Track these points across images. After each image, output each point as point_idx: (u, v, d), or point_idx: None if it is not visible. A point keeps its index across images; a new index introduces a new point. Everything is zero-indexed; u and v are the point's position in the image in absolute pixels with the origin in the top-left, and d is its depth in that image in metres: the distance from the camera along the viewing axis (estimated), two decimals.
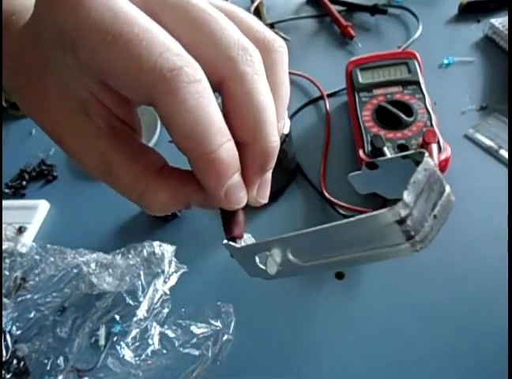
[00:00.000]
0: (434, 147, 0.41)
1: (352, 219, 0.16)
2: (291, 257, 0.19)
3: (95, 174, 0.19)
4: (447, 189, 0.17)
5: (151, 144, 0.55)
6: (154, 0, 0.17)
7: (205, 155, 0.16)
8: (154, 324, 0.40)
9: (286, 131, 0.43)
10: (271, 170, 0.19)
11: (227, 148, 0.16)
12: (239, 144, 0.17)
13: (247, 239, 0.21)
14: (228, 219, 0.20)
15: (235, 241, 0.20)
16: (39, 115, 0.19)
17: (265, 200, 0.20)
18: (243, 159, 0.18)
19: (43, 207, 0.53)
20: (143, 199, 0.19)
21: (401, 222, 0.15)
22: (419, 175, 0.16)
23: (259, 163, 0.18)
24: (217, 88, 0.17)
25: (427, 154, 0.16)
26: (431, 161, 0.16)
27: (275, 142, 0.18)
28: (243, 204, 0.18)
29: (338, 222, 0.16)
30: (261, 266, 0.20)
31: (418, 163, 0.16)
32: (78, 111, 0.18)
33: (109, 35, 0.15)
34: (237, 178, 0.17)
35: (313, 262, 0.19)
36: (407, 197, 0.15)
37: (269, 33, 0.19)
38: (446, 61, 0.57)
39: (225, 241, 0.20)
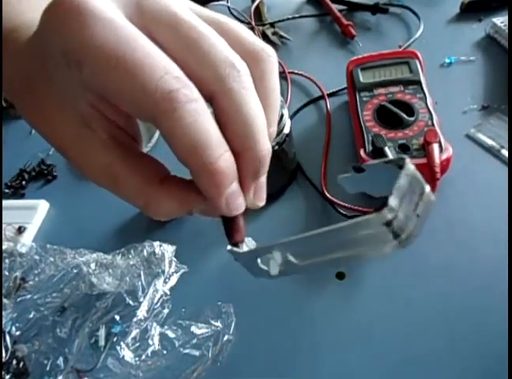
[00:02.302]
0: (436, 146, 0.41)
1: (344, 223, 0.18)
2: (291, 258, 0.21)
3: (99, 184, 0.20)
4: (427, 189, 0.18)
5: (150, 144, 0.56)
6: (148, 14, 0.17)
7: (205, 167, 0.17)
8: (154, 324, 0.40)
9: (286, 131, 0.43)
10: (265, 175, 0.20)
11: (225, 159, 0.17)
12: (233, 153, 0.18)
13: (248, 242, 0.22)
14: (229, 225, 0.21)
15: (237, 246, 0.22)
16: (43, 127, 0.20)
17: (261, 202, 0.21)
18: (238, 166, 0.19)
19: (42, 207, 0.53)
20: (147, 207, 0.20)
21: (389, 224, 0.17)
22: (402, 180, 0.17)
23: (253, 170, 0.19)
24: (209, 101, 0.18)
25: (407, 159, 0.18)
26: (411, 166, 0.18)
27: (265, 150, 0.19)
28: (242, 209, 0.20)
29: (332, 226, 0.18)
30: (264, 267, 0.22)
31: (400, 166, 0.18)
32: (81, 124, 0.19)
33: (113, 60, 0.15)
34: (235, 185, 0.19)
35: (309, 261, 0.21)
36: (392, 201, 0.17)
37: (257, 43, 0.19)
38: (447, 61, 0.57)
39: (229, 247, 0.22)
